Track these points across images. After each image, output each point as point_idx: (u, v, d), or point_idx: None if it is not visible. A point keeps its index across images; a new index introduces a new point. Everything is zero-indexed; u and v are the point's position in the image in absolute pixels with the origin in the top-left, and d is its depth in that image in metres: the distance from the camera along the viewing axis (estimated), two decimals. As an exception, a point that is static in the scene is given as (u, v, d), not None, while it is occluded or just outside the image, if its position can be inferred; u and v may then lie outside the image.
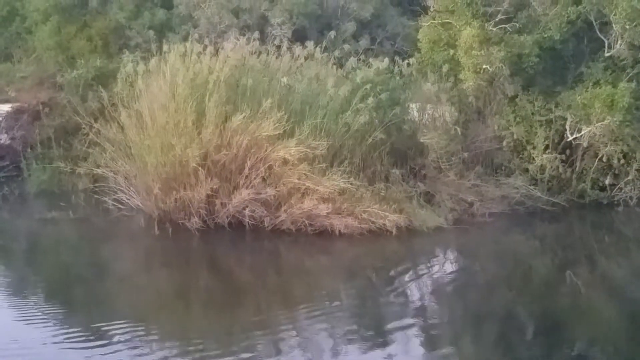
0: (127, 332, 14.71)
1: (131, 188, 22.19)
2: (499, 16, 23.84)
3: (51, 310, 15.99)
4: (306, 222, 20.47)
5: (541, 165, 23.55)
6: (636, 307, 16.82)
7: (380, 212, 20.48)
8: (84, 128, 24.41)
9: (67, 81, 26.66)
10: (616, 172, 23.71)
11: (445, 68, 24.02)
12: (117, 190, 22.32)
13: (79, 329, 14.91)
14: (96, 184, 23.15)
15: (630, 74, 23.19)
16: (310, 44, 23.51)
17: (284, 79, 22.22)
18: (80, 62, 27.49)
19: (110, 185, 22.55)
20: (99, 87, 24.66)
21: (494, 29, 23.51)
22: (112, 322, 15.13)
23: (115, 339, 14.39)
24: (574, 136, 23.34)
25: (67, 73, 26.96)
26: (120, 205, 22.20)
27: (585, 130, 23.00)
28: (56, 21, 30.53)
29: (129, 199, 22.17)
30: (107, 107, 23.00)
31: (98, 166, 23.05)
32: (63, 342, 14.24)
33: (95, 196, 22.77)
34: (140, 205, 21.90)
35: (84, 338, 14.49)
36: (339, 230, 20.27)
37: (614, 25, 22.93)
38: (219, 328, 15.41)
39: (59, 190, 24.57)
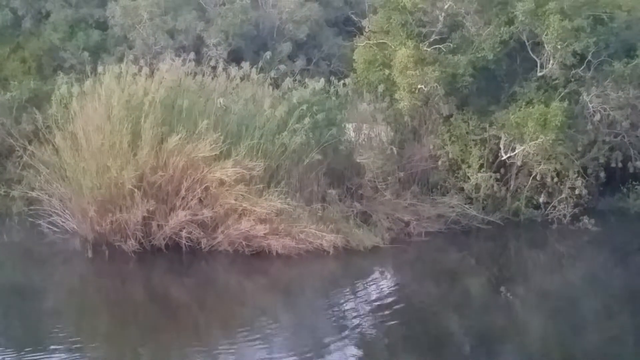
0: (61, 358, 14.56)
1: (66, 211, 21.93)
2: (433, 36, 24.09)
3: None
4: (243, 243, 20.43)
5: (476, 184, 23.76)
6: (570, 322, 17.05)
7: (317, 232, 20.53)
8: (17, 150, 24.11)
9: (0, 103, 26.32)
10: (550, 190, 23.98)
11: (380, 88, 24.16)
12: (52, 213, 22.05)
13: (10, 355, 14.67)
14: (31, 207, 22.78)
15: (563, 93, 23.53)
16: (246, 65, 23.52)
17: (220, 100, 22.16)
18: (14, 83, 27.16)
19: (45, 208, 22.24)
20: (33, 109, 24.49)
21: (429, 49, 23.70)
22: (45, 348, 14.96)
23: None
24: (508, 155, 23.59)
25: (0, 95, 26.62)
26: (55, 229, 21.93)
27: (519, 149, 23.26)
28: (-12, 43, 30.23)
29: (64, 222, 21.90)
30: (41, 129, 22.80)
31: (32, 189, 22.74)
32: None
33: (30, 219, 22.44)
34: (76, 228, 21.64)
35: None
36: (276, 251, 20.26)
37: (545, 45, 23.25)
38: (155, 352, 15.30)
39: (-8, 214, 24.23)
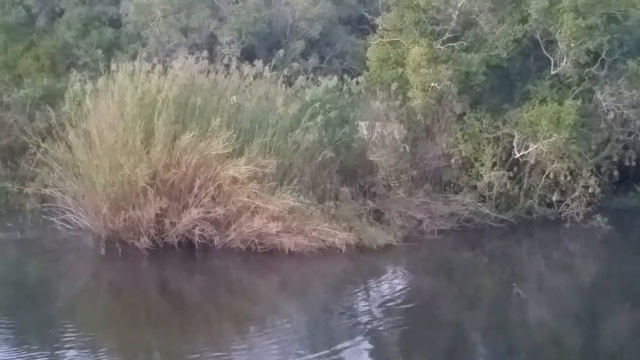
0: (74, 355, 14.58)
1: (79, 208, 21.97)
2: (447, 35, 24.09)
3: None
4: (256, 240, 20.46)
5: (489, 182, 23.74)
6: (582, 320, 17.02)
7: (330, 230, 20.52)
8: (31, 148, 24.09)
9: (13, 100, 26.39)
10: (563, 188, 23.94)
11: (393, 86, 24.16)
12: (65, 211, 22.10)
13: (23, 351, 14.70)
14: (44, 204, 22.84)
15: (576, 92, 23.49)
16: (259, 63, 23.48)
17: (233, 98, 22.19)
18: (28, 81, 27.21)
19: (59, 205, 22.28)
20: (47, 107, 24.50)
21: (442, 48, 23.70)
22: (58, 345, 14.98)
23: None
24: (521, 153, 23.55)
25: (14, 92, 26.67)
26: (68, 226, 21.99)
27: (532, 147, 23.22)
28: (2, 40, 30.18)
29: (77, 219, 21.95)
30: (54, 126, 22.78)
31: (46, 186, 22.79)
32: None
33: (43, 216, 22.50)
34: (89, 225, 21.68)
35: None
36: (289, 249, 20.27)
37: (559, 44, 23.20)
38: (168, 349, 15.31)
39: (6, 211, 24.29)
